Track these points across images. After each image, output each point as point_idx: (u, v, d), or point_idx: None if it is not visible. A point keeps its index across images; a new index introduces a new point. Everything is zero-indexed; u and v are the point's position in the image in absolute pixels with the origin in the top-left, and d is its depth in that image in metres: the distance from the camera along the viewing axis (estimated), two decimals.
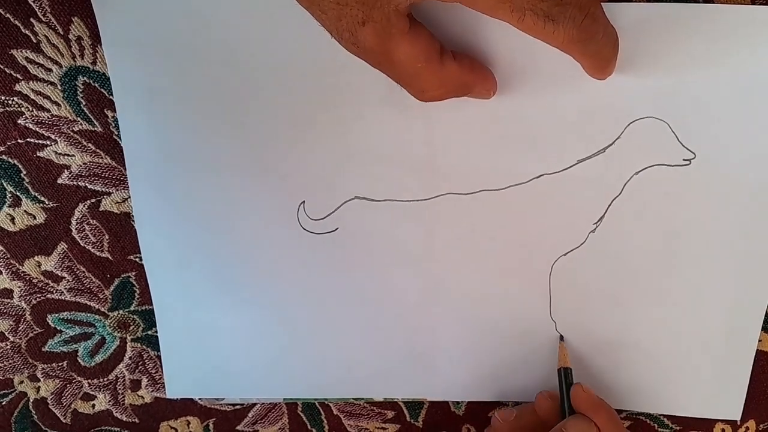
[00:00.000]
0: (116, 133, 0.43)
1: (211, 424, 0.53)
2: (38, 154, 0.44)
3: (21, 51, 0.41)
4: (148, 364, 0.51)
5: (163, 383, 0.51)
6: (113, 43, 0.41)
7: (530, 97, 0.40)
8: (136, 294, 0.48)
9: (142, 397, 0.52)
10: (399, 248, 0.45)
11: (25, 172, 0.44)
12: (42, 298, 0.48)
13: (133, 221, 0.46)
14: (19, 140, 0.43)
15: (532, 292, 0.45)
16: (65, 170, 0.44)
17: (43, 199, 0.45)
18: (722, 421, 0.49)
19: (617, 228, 0.43)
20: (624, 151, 0.41)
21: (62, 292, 0.48)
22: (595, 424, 0.42)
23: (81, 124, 0.43)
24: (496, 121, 0.41)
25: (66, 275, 0.47)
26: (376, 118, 0.42)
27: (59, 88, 0.42)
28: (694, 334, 0.45)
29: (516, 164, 0.42)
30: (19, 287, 0.48)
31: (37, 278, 0.48)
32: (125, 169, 0.44)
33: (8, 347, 0.50)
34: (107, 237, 0.46)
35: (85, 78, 0.42)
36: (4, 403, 0.52)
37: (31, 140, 0.43)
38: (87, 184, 0.45)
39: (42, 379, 0.51)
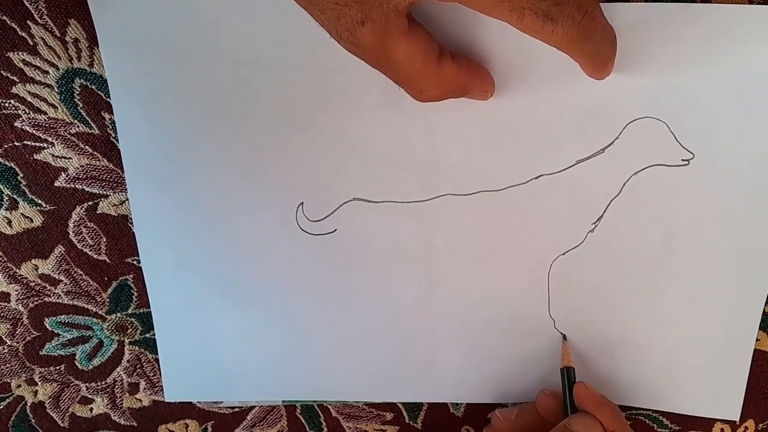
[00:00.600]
0: (113, 135, 0.43)
1: (209, 427, 0.53)
2: (35, 157, 0.44)
3: (18, 53, 0.41)
4: (146, 368, 0.51)
5: (162, 386, 0.51)
6: (110, 45, 0.41)
7: (529, 97, 0.40)
8: (133, 297, 0.48)
9: (140, 401, 0.52)
10: (398, 249, 0.45)
11: (22, 175, 0.44)
12: (39, 301, 0.48)
13: (131, 224, 0.46)
14: (16, 143, 0.43)
15: (531, 291, 0.45)
16: (62, 173, 0.44)
17: (40, 202, 0.45)
18: (721, 420, 0.49)
19: (616, 228, 0.43)
20: (623, 152, 0.41)
21: (60, 295, 0.48)
22: (600, 422, 0.42)
23: (78, 127, 0.43)
24: (494, 121, 0.41)
25: (63, 278, 0.47)
26: (375, 119, 0.42)
27: (56, 90, 0.42)
28: (692, 334, 0.45)
29: (515, 165, 0.42)
30: (17, 291, 0.48)
31: (34, 281, 0.47)
32: (123, 172, 0.44)
33: (5, 351, 0.50)
34: (105, 240, 0.46)
35: (82, 80, 0.42)
36: (1, 407, 0.52)
37: (28, 143, 0.43)
38: (84, 187, 0.45)
39: (39, 383, 0.51)
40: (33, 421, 0.52)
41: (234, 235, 0.45)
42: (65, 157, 0.44)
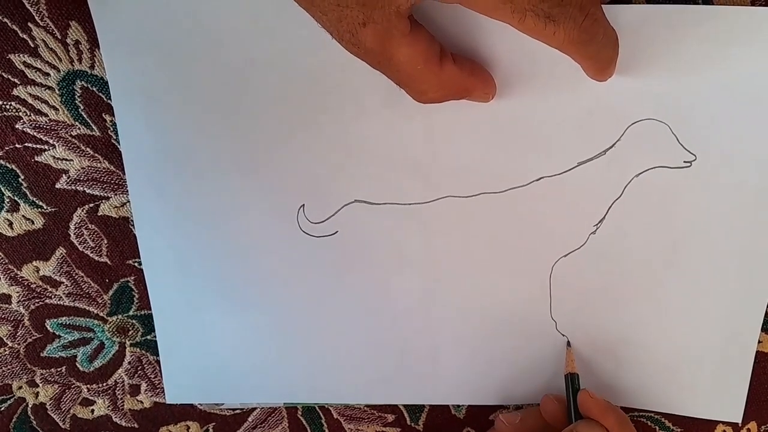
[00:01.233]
0: (114, 137, 0.43)
1: (210, 428, 0.53)
2: (36, 159, 0.44)
3: (19, 55, 0.41)
4: (147, 369, 0.51)
5: (163, 388, 0.50)
6: (111, 47, 0.41)
7: (530, 99, 0.40)
8: (134, 299, 0.48)
9: (142, 402, 0.52)
10: (399, 251, 0.45)
11: (23, 177, 0.44)
12: (40, 303, 0.48)
13: (132, 225, 0.46)
14: (17, 145, 0.43)
15: (533, 294, 0.45)
16: (63, 175, 0.44)
17: (41, 203, 0.45)
18: (724, 422, 0.49)
19: (618, 230, 0.43)
20: (624, 153, 0.41)
21: (61, 297, 0.48)
22: (606, 428, 0.42)
23: (79, 129, 0.43)
24: (496, 123, 0.41)
25: (64, 280, 0.47)
26: (376, 121, 0.42)
27: (57, 92, 0.42)
28: (694, 335, 0.45)
29: (516, 167, 0.42)
30: (18, 292, 0.48)
31: (35, 283, 0.47)
32: (124, 174, 0.44)
33: (6, 353, 0.50)
34: (106, 242, 0.46)
35: (83, 82, 0.42)
36: (2, 409, 0.52)
37: (29, 145, 0.43)
38: (85, 189, 0.45)
39: (41, 385, 0.51)
40: (34, 422, 0.52)
41: (235, 237, 0.45)
42: (66, 159, 0.44)
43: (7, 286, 0.47)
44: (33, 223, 0.46)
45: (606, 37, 0.33)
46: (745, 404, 0.47)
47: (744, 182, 0.41)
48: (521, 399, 0.49)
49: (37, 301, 0.48)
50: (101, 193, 0.45)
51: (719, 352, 0.45)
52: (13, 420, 0.52)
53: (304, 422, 0.52)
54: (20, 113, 0.42)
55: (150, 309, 0.48)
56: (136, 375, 0.51)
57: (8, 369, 0.50)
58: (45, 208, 0.45)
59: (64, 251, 0.46)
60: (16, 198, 0.45)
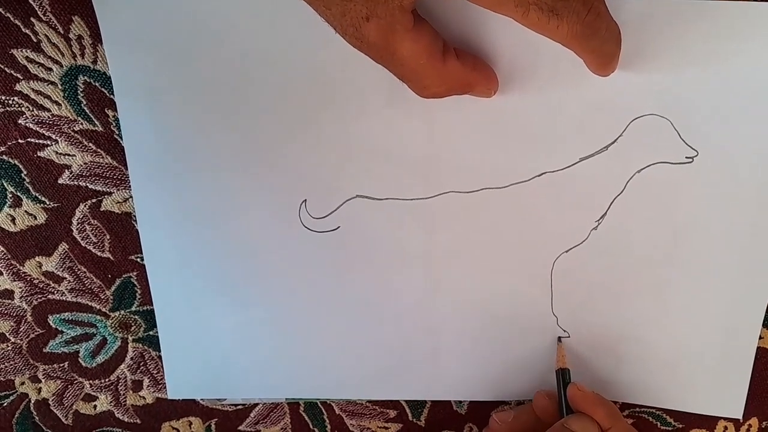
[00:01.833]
0: (117, 132, 0.43)
1: (213, 424, 0.53)
2: (39, 154, 0.44)
3: (21, 50, 0.41)
4: (150, 365, 0.51)
5: (165, 384, 0.50)
6: (114, 42, 0.41)
7: (533, 94, 0.40)
8: (137, 294, 0.48)
9: (144, 398, 0.52)
10: (401, 247, 0.45)
11: (25, 172, 0.44)
12: (43, 298, 0.48)
13: (134, 221, 0.46)
14: (19, 140, 0.43)
15: (534, 289, 0.45)
16: (66, 170, 0.44)
17: (43, 199, 0.45)
18: (725, 418, 0.49)
19: (619, 225, 0.43)
20: (626, 149, 0.41)
21: (63, 292, 0.48)
22: (596, 421, 0.42)
23: (82, 124, 0.43)
24: (498, 118, 0.41)
25: (67, 276, 0.47)
26: (378, 117, 0.42)
27: (60, 87, 0.42)
28: (695, 331, 0.45)
29: (518, 162, 0.42)
30: (20, 288, 0.48)
31: (38, 279, 0.47)
32: (126, 169, 0.44)
33: (9, 348, 0.50)
34: (108, 237, 0.46)
35: (85, 77, 0.42)
36: (5, 404, 0.52)
37: (32, 140, 0.43)
38: (88, 184, 0.45)
39: (43, 380, 0.51)
40: (37, 418, 0.52)
41: (237, 232, 0.45)
42: (69, 155, 0.44)
43: (9, 281, 0.47)
44: (35, 218, 0.46)
45: (609, 31, 0.33)
46: (746, 400, 0.47)
47: (746, 178, 0.41)
48: (522, 395, 0.49)
49: (39, 296, 0.48)
50: (104, 189, 0.45)
51: (720, 347, 0.46)
52: (16, 416, 0.52)
53: (306, 418, 0.52)
54: (23, 108, 0.43)
55: (152, 305, 0.48)
56: (139, 371, 0.51)
57: (11, 365, 0.50)
58: (47, 203, 0.45)
59: (67, 247, 0.46)
60: (18, 193, 0.45)
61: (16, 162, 0.44)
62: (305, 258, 0.46)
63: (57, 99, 0.42)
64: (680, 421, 0.50)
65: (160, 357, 0.50)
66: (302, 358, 0.49)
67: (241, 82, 0.41)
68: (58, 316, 0.49)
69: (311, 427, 0.53)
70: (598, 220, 0.43)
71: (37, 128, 0.43)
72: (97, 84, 0.42)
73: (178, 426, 0.53)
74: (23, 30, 0.40)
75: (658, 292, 0.45)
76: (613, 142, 0.41)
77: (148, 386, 0.51)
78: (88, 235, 0.46)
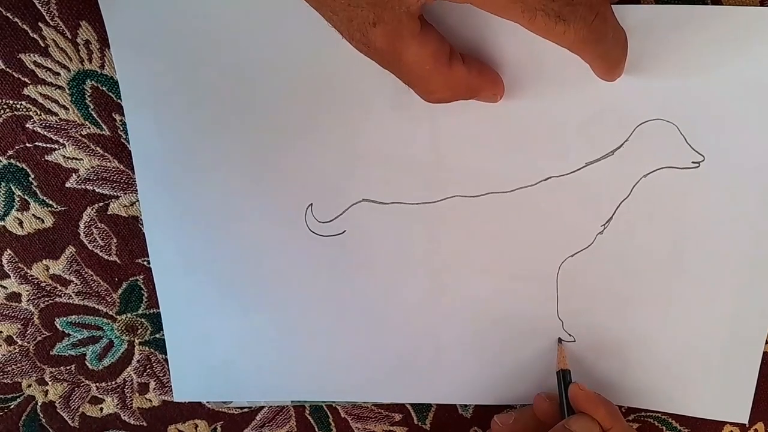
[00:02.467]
0: (124, 136, 0.44)
1: (219, 427, 0.53)
2: (46, 158, 0.44)
3: (29, 55, 0.41)
4: (156, 368, 0.51)
5: (171, 386, 0.51)
6: (121, 47, 0.41)
7: (538, 99, 0.40)
8: (143, 297, 0.48)
9: (150, 401, 0.52)
10: (406, 251, 0.45)
11: (33, 176, 0.44)
12: (50, 301, 0.48)
13: (141, 224, 0.46)
14: (27, 144, 0.44)
15: (540, 293, 0.45)
16: (73, 174, 0.44)
17: (51, 203, 0.45)
18: (730, 423, 0.49)
19: (625, 230, 0.43)
20: (632, 154, 0.41)
21: (70, 295, 0.48)
22: (597, 421, 0.42)
23: (89, 128, 0.43)
24: (504, 123, 0.41)
25: (74, 279, 0.47)
26: (384, 121, 0.42)
27: (67, 92, 0.42)
28: (701, 336, 0.45)
29: (524, 167, 0.42)
30: (27, 291, 0.48)
31: (45, 282, 0.48)
32: (133, 173, 0.44)
33: (16, 351, 0.50)
34: (115, 240, 0.47)
35: (93, 82, 0.42)
36: (12, 406, 0.52)
37: (40, 144, 0.44)
38: (95, 188, 0.45)
39: (50, 383, 0.51)
40: (43, 420, 0.53)
41: (243, 236, 0.45)
42: (76, 159, 0.44)
43: (17, 284, 0.48)
44: (43, 221, 0.46)
45: (615, 36, 0.33)
46: (752, 405, 0.47)
47: (752, 182, 0.41)
48: (528, 398, 0.49)
49: (46, 299, 0.48)
50: (111, 192, 0.45)
51: (726, 352, 0.45)
52: (23, 418, 0.52)
53: (311, 421, 0.53)
54: (30, 113, 0.43)
55: (159, 308, 0.48)
56: (145, 373, 0.51)
57: (18, 367, 0.50)
58: (55, 207, 0.45)
59: (74, 250, 0.47)
60: (26, 197, 0.45)
61: (23, 166, 0.44)
62: (311, 262, 0.46)
63: (64, 103, 0.42)
64: (686, 426, 0.49)
65: (166, 360, 0.50)
66: (308, 361, 0.49)
67: (247, 86, 0.42)
68: (65, 319, 0.49)
69: (317, 430, 0.53)
70: (604, 225, 0.43)
71: (45, 132, 0.43)
72: (104, 88, 0.42)
73: (184, 429, 0.53)
74: (31, 35, 0.41)
75: (663, 297, 0.45)
76: (619, 147, 0.41)
77: (155, 389, 0.52)
78: (95, 239, 0.46)
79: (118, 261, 0.47)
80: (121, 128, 0.43)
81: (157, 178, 0.44)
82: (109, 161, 0.44)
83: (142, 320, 0.49)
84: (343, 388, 0.50)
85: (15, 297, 0.48)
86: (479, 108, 0.40)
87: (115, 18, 0.40)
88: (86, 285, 0.48)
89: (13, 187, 0.45)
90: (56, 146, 0.44)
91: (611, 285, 0.45)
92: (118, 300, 0.48)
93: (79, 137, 0.43)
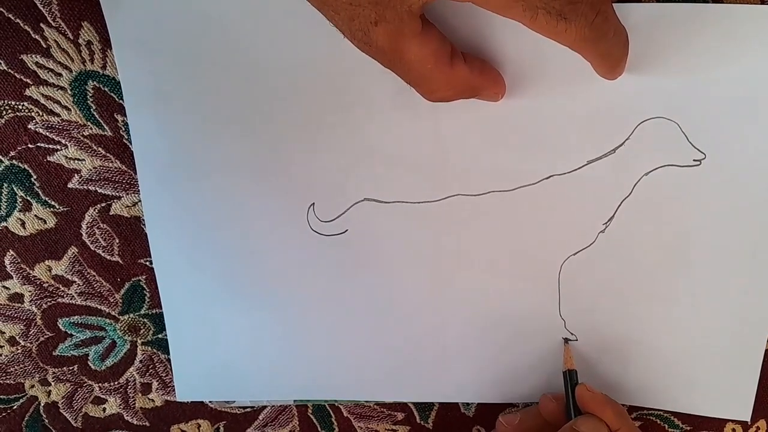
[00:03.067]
0: (126, 137, 0.44)
1: (221, 426, 0.53)
2: (48, 159, 0.44)
3: (31, 56, 0.41)
4: (159, 368, 0.51)
5: (174, 386, 0.51)
6: (123, 48, 0.41)
7: (540, 97, 0.40)
8: (146, 298, 0.48)
9: (153, 401, 0.52)
10: (408, 249, 0.45)
11: (35, 177, 0.44)
12: (52, 302, 0.48)
13: (144, 225, 0.46)
14: (29, 145, 0.44)
15: (542, 292, 0.45)
16: (75, 174, 0.44)
17: (53, 203, 0.45)
18: (733, 421, 0.49)
19: (627, 228, 0.43)
20: (634, 152, 0.41)
21: (73, 296, 0.48)
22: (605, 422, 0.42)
23: (91, 129, 0.43)
24: (505, 122, 0.41)
25: (76, 279, 0.48)
26: (386, 120, 0.42)
27: (69, 92, 0.42)
28: (703, 334, 0.45)
29: (525, 165, 0.42)
30: (30, 291, 0.48)
31: (47, 282, 0.48)
32: (135, 173, 0.44)
33: (19, 351, 0.50)
34: (117, 241, 0.47)
35: (95, 82, 0.42)
36: (15, 407, 0.52)
37: (42, 145, 0.44)
38: (97, 188, 0.45)
39: (53, 383, 0.51)
40: (46, 421, 0.53)
41: (245, 235, 0.45)
42: (78, 159, 0.44)
43: (19, 285, 0.48)
44: (45, 222, 0.46)
45: (616, 35, 0.34)
46: (754, 402, 0.47)
47: (753, 180, 0.41)
48: (530, 397, 0.49)
49: (49, 300, 0.48)
50: (113, 193, 0.45)
51: (728, 349, 0.45)
52: (26, 418, 0.52)
53: (314, 420, 0.53)
54: (33, 113, 0.43)
55: (161, 308, 0.48)
56: (148, 373, 0.51)
57: (21, 368, 0.50)
58: (57, 207, 0.45)
59: (76, 250, 0.47)
60: (28, 197, 0.45)
61: (26, 166, 0.44)
62: (313, 261, 0.46)
63: (66, 104, 0.43)
64: (688, 424, 0.50)
65: (168, 360, 0.50)
66: (310, 360, 0.49)
67: (249, 86, 0.42)
68: (67, 319, 0.49)
69: (319, 429, 0.53)
70: (606, 223, 0.43)
71: (47, 133, 0.43)
72: (106, 89, 0.42)
73: (186, 428, 0.53)
74: (33, 36, 0.41)
75: (665, 295, 0.45)
76: (620, 145, 0.41)
77: (157, 389, 0.52)
78: (98, 239, 0.46)
79: (120, 261, 0.47)
80: (123, 129, 0.43)
81: (159, 178, 0.44)
82: (111, 162, 0.44)
83: (145, 320, 0.49)
84: (346, 387, 0.50)
85: (18, 298, 0.48)
86: (481, 107, 0.40)
87: (117, 18, 0.40)
88: (89, 285, 0.48)
89: (15, 188, 0.45)
90: (58, 147, 0.44)
91: (613, 284, 0.45)
92: (120, 300, 0.48)
93: (81, 138, 0.43)
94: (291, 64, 0.41)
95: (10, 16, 0.40)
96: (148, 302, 0.49)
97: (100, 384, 0.51)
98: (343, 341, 0.48)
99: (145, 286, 0.48)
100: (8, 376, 0.51)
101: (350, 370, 0.49)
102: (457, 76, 0.36)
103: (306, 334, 0.48)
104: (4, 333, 0.49)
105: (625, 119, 0.41)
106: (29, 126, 0.43)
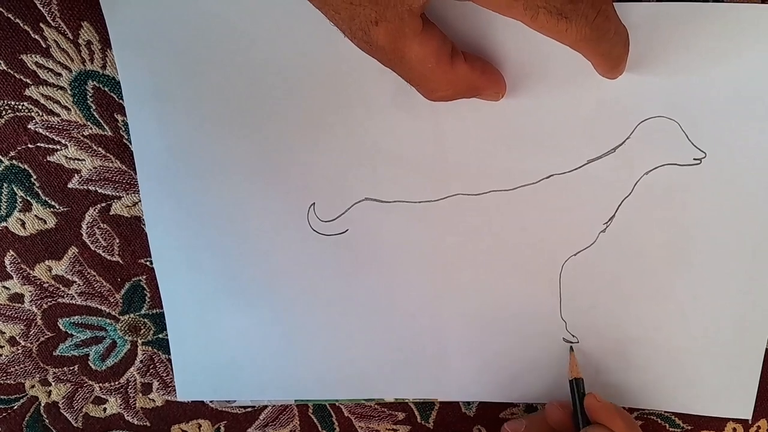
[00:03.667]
0: (126, 137, 0.44)
1: (222, 426, 0.53)
2: (48, 159, 0.44)
3: (31, 56, 0.41)
4: (159, 368, 0.51)
5: (175, 386, 0.51)
6: (123, 47, 0.41)
7: (540, 97, 0.40)
8: (146, 298, 0.48)
9: (154, 401, 0.52)
10: (409, 249, 0.45)
11: (35, 177, 0.44)
12: (53, 302, 0.48)
13: (144, 225, 0.46)
14: (29, 145, 0.44)
15: (543, 292, 0.45)
16: (75, 174, 0.44)
17: (53, 203, 0.45)
18: (734, 420, 0.49)
19: (628, 228, 0.43)
20: (634, 151, 0.41)
21: (73, 296, 0.48)
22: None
23: (91, 129, 0.43)
24: (506, 121, 0.41)
25: (77, 279, 0.48)
26: (386, 120, 0.42)
27: (69, 92, 0.42)
28: (704, 333, 0.45)
29: (526, 164, 0.42)
30: (30, 292, 0.48)
31: (47, 282, 0.48)
32: (135, 173, 0.44)
33: (19, 352, 0.50)
34: (118, 241, 0.47)
35: (94, 82, 0.42)
36: (15, 407, 0.52)
37: (41, 145, 0.44)
38: (97, 188, 0.45)
39: (53, 384, 0.51)
40: (47, 421, 0.53)
41: (246, 235, 0.45)
42: (78, 159, 0.44)
43: (19, 285, 0.48)
44: (45, 222, 0.46)
45: (617, 34, 0.33)
46: (755, 401, 0.47)
47: (754, 179, 0.41)
48: (530, 397, 0.49)
49: (49, 300, 0.48)
50: (113, 193, 0.45)
51: (729, 349, 0.45)
52: (26, 419, 0.52)
53: (314, 420, 0.53)
54: (32, 113, 0.43)
55: (162, 308, 0.48)
56: (148, 373, 0.51)
57: (21, 368, 0.50)
58: (57, 207, 0.45)
59: (77, 250, 0.47)
60: (28, 198, 0.45)
61: (25, 167, 0.44)
62: (314, 260, 0.46)
63: (66, 104, 0.43)
64: (689, 423, 0.50)
65: (169, 360, 0.50)
66: (311, 360, 0.49)
67: (249, 86, 0.42)
68: (67, 319, 0.49)
69: (320, 429, 0.53)
70: (606, 223, 0.43)
71: (47, 133, 0.43)
72: (106, 89, 0.42)
73: (187, 428, 0.53)
74: (32, 35, 0.41)
75: (666, 295, 0.45)
76: (620, 144, 0.41)
77: (158, 389, 0.52)
78: (98, 239, 0.46)
79: (120, 261, 0.47)
80: (123, 129, 0.43)
81: (159, 178, 0.44)
82: (111, 162, 0.44)
83: (145, 320, 0.49)
84: (347, 387, 0.50)
85: (18, 298, 0.48)
86: (481, 106, 0.40)
87: (117, 18, 0.40)
88: (89, 285, 0.48)
89: (15, 188, 0.45)
90: (58, 147, 0.44)
91: (614, 283, 0.45)
92: (120, 300, 0.48)
93: (81, 138, 0.43)
94: (291, 63, 0.41)
95: (9, 16, 0.40)
96: (148, 302, 0.49)
97: (100, 384, 0.51)
98: (344, 340, 0.48)
99: (145, 286, 0.48)
100: (8, 377, 0.51)
101: (351, 370, 0.49)
102: (457, 75, 0.36)
103: (307, 333, 0.48)
104: (4, 333, 0.49)
105: (625, 118, 0.41)
106: (29, 126, 0.43)
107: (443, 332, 0.47)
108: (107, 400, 0.52)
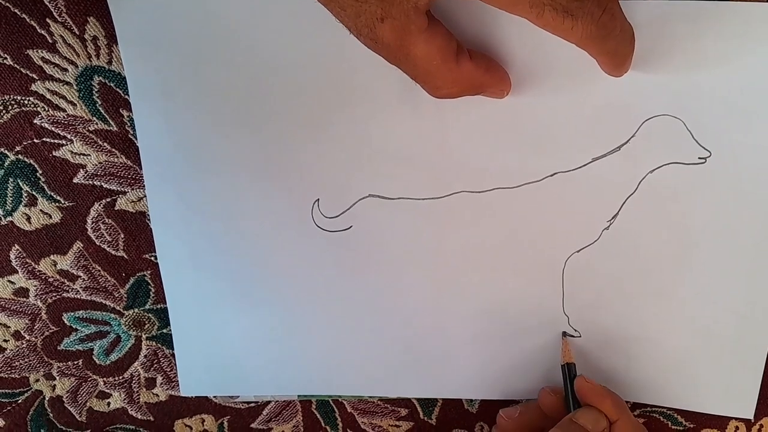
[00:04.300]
0: (132, 132, 0.44)
1: (225, 421, 0.53)
2: (54, 154, 0.44)
3: (37, 51, 0.41)
4: (163, 363, 0.51)
5: (178, 381, 0.51)
6: (129, 43, 0.41)
7: (545, 94, 0.40)
8: (151, 293, 0.49)
9: (157, 395, 0.52)
10: (412, 246, 0.45)
11: (41, 172, 0.45)
12: (58, 296, 0.49)
13: (149, 220, 0.46)
14: (35, 140, 0.44)
15: (546, 289, 0.45)
16: (81, 170, 0.45)
17: (58, 198, 0.45)
18: (736, 418, 0.49)
19: (631, 225, 0.43)
20: (639, 149, 0.41)
21: (78, 290, 0.48)
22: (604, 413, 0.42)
23: (97, 124, 0.43)
24: (510, 119, 0.41)
25: (81, 274, 0.48)
26: (391, 117, 0.42)
27: (75, 87, 0.42)
28: (707, 331, 0.45)
29: (530, 162, 0.42)
30: (35, 286, 0.48)
31: (52, 277, 0.48)
32: (140, 169, 0.44)
33: (24, 346, 0.50)
34: (122, 236, 0.47)
35: (100, 78, 0.42)
36: (19, 401, 0.52)
37: (47, 140, 0.44)
38: (102, 184, 0.45)
39: (57, 378, 0.52)
40: (51, 415, 0.53)
41: (250, 231, 0.45)
42: (84, 154, 0.44)
43: (24, 279, 0.48)
44: (51, 217, 0.46)
45: (623, 32, 0.33)
46: (757, 400, 0.47)
47: (759, 178, 0.41)
48: (533, 393, 0.49)
49: (54, 294, 0.48)
50: (118, 188, 0.45)
51: (732, 347, 0.45)
52: (31, 412, 0.53)
53: (318, 416, 0.53)
54: (38, 108, 0.43)
55: (166, 303, 0.48)
56: (152, 368, 0.51)
57: (25, 362, 0.51)
58: (62, 202, 0.46)
59: (82, 245, 0.47)
60: (34, 192, 0.45)
61: (31, 161, 0.44)
62: (317, 257, 0.46)
63: (72, 99, 0.43)
64: (691, 421, 0.50)
65: (173, 355, 0.50)
66: (314, 356, 0.49)
67: (254, 82, 0.42)
68: (72, 314, 0.49)
69: (323, 425, 0.53)
70: (610, 221, 0.43)
71: (53, 128, 0.43)
72: (112, 84, 0.42)
73: (190, 423, 0.53)
74: (39, 31, 0.41)
75: (669, 292, 0.45)
76: (625, 143, 0.41)
77: (162, 384, 0.52)
78: (103, 234, 0.47)
79: (125, 256, 0.47)
80: (129, 124, 0.43)
81: (165, 173, 0.44)
82: (117, 157, 0.44)
83: (150, 315, 0.49)
84: (350, 383, 0.50)
85: (23, 292, 0.48)
86: (486, 103, 0.40)
87: (123, 14, 0.40)
88: (94, 280, 0.48)
89: (20, 183, 0.45)
90: (64, 142, 0.44)
91: (617, 280, 0.45)
92: (125, 295, 0.49)
93: (87, 133, 0.44)
94: (297, 60, 0.41)
95: (16, 11, 0.40)
96: (152, 297, 0.49)
97: (104, 378, 0.52)
98: (347, 337, 0.48)
99: (149, 281, 0.48)
100: (13, 370, 0.51)
101: (354, 366, 0.49)
102: (462, 72, 0.36)
103: (310, 329, 0.48)
104: (9, 327, 0.49)
105: (630, 116, 0.41)
106: (35, 121, 0.43)
107: (447, 328, 0.47)
108: (111, 395, 0.52)
